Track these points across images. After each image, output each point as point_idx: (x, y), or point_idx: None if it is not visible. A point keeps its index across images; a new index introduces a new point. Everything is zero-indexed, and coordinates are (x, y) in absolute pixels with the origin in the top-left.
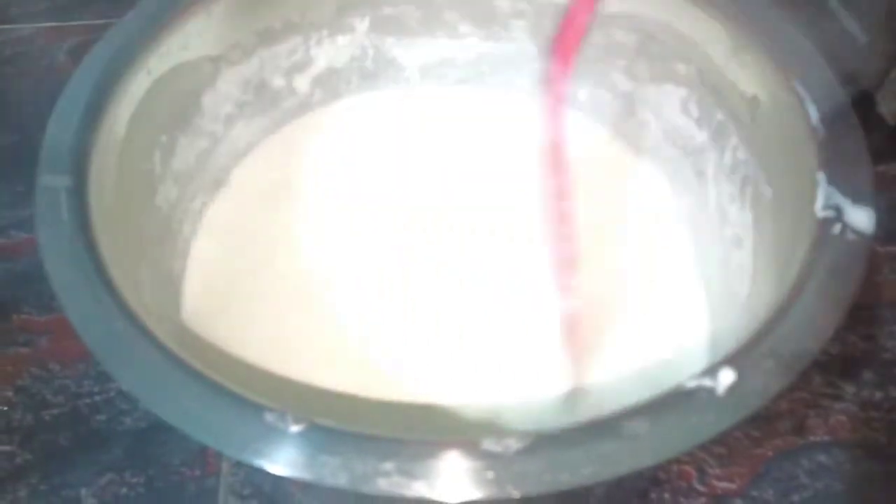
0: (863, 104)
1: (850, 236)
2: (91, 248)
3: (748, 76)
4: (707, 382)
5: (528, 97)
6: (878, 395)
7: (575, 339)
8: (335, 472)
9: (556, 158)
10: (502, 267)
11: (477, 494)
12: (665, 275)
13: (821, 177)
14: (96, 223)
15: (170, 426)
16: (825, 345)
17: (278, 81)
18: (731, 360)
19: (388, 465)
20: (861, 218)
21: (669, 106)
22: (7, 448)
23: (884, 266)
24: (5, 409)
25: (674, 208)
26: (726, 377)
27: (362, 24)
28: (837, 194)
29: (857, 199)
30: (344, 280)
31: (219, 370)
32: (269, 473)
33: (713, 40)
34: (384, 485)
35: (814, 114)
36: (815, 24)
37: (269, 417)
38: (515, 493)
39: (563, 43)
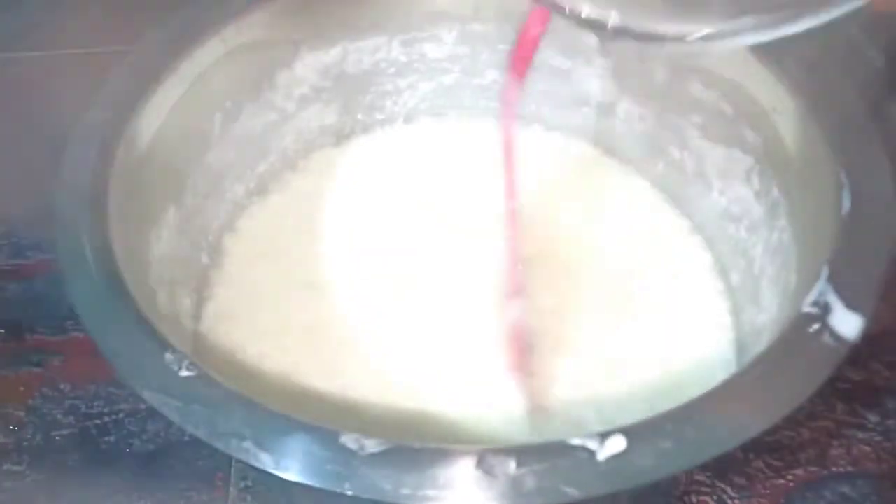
0: (880, 125)
1: (827, 339)
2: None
3: (801, 152)
4: (591, 444)
5: None
6: None
7: (520, 357)
8: (198, 422)
9: (508, 160)
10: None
11: (313, 481)
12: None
13: (823, 271)
14: (125, 161)
15: (178, 449)
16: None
17: (358, 76)
18: (627, 429)
19: (247, 431)
20: (848, 323)
21: (735, 174)
22: (17, 468)
23: None
24: (16, 428)
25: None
26: (615, 445)
27: (450, 36)
28: (832, 293)
29: (851, 303)
30: (361, 297)
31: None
32: (278, 497)
33: (779, 109)
34: (234, 446)
35: (846, 205)
36: (835, 48)
37: (168, 357)
38: (348, 491)
39: (519, 55)
